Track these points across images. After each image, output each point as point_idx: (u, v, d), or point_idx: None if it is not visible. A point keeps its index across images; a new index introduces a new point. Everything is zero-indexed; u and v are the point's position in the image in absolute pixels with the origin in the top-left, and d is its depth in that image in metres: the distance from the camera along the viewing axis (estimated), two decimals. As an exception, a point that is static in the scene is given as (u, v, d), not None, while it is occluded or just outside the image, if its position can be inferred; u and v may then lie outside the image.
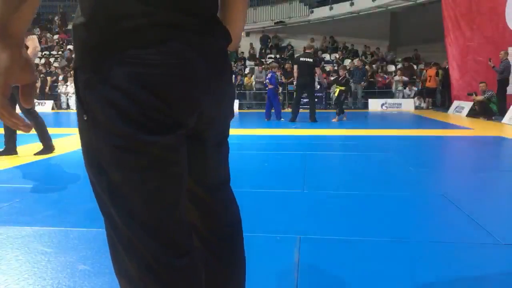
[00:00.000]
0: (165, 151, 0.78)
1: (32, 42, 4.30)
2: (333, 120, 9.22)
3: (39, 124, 4.60)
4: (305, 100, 10.43)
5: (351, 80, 9.28)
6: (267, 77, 9.69)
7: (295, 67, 8.89)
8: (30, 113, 4.49)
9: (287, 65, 14.29)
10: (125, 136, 0.74)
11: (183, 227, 0.84)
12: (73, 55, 0.81)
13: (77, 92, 0.77)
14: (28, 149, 4.76)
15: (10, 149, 4.64)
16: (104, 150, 0.76)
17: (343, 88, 9.22)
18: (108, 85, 0.73)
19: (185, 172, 0.84)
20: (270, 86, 9.46)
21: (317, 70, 8.89)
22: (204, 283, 0.88)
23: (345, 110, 9.46)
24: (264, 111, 10.04)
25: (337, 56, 16.05)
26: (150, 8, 0.74)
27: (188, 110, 0.81)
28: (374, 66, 14.83)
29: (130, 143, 0.75)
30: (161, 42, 0.75)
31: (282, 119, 9.32)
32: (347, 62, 15.51)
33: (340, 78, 9.47)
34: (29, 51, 4.21)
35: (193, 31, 0.79)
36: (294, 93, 9.53)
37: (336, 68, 14.73)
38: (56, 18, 19.93)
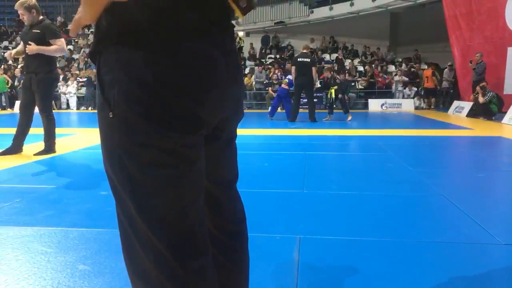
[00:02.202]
0: (189, 149, 0.80)
1: (59, 43, 4.54)
2: (347, 120, 9.23)
3: (50, 125, 4.65)
4: (304, 100, 10.45)
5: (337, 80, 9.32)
6: (287, 77, 9.70)
7: (293, 68, 9.04)
8: (45, 112, 4.57)
9: (287, 66, 14.31)
10: (152, 134, 0.76)
11: (202, 226, 0.85)
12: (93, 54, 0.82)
13: (102, 90, 0.78)
14: (29, 149, 4.76)
15: (17, 146, 4.65)
16: (129, 147, 0.77)
17: (336, 87, 9.27)
18: (137, 84, 0.75)
19: (204, 170, 0.86)
20: (285, 86, 9.40)
21: (313, 69, 8.98)
22: (217, 283, 0.89)
23: (332, 111, 9.51)
24: (264, 110, 10.03)
25: (338, 56, 16.02)
26: (178, 9, 0.76)
27: (215, 110, 0.83)
28: (373, 65, 14.82)
29: (157, 141, 0.76)
30: (190, 43, 0.77)
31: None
32: (347, 62, 15.53)
33: (328, 80, 9.55)
34: (54, 47, 4.47)
35: (217, 32, 0.82)
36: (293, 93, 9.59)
37: (336, 68, 14.75)
38: (57, 18, 19.94)
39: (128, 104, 0.75)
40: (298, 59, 8.87)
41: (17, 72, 15.03)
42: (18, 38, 17.60)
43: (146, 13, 0.74)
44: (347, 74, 9.50)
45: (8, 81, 14.82)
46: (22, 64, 14.61)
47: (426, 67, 14.39)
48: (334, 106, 9.60)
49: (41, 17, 4.58)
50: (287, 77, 9.81)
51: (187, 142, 0.79)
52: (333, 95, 9.44)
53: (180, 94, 0.76)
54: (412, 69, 14.43)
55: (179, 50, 0.76)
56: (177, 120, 0.77)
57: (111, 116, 0.77)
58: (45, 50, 4.43)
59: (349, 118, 9.28)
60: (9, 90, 14.92)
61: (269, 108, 12.62)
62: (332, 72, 9.78)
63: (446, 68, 13.24)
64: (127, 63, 0.75)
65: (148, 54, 0.75)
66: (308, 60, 8.78)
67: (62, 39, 4.65)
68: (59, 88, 14.91)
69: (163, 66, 0.75)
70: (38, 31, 4.45)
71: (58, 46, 4.51)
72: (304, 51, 9.06)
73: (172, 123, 0.76)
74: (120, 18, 0.75)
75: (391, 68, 15.20)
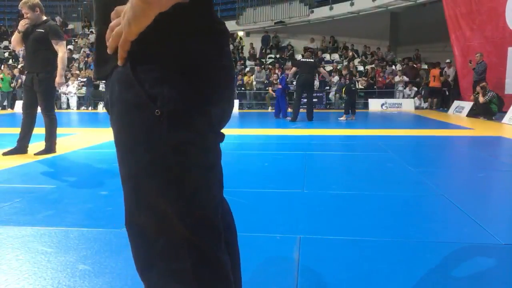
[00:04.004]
0: (219, 146, 0.86)
1: (62, 48, 4.55)
2: (340, 118, 9.40)
3: (51, 125, 4.67)
4: (304, 100, 10.53)
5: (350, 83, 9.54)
6: (279, 78, 10.52)
7: (294, 68, 9.49)
8: (47, 112, 4.59)
9: (286, 65, 14.33)
10: (202, 132, 0.78)
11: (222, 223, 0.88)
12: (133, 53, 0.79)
13: (142, 87, 0.76)
14: (29, 148, 4.75)
15: (22, 148, 4.65)
16: (179, 145, 0.77)
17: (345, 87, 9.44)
18: (190, 82, 0.77)
19: None
20: (279, 86, 9.95)
21: (321, 69, 9.76)
22: None
23: (353, 111, 9.57)
24: (264, 110, 10.23)
25: (340, 56, 16.00)
26: (214, 12, 0.82)
27: (232, 108, 0.90)
28: (373, 65, 14.81)
29: (204, 139, 0.79)
30: (226, 47, 0.83)
31: (287, 118, 9.55)
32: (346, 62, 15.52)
33: (344, 76, 9.86)
34: (60, 56, 4.51)
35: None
36: (294, 93, 9.92)
37: (337, 67, 14.78)
38: (57, 18, 19.95)
39: (180, 101, 0.76)
40: (302, 60, 9.49)
41: (16, 71, 15.01)
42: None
43: (193, 15, 0.77)
44: (347, 75, 9.71)
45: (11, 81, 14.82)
46: (22, 64, 14.64)
47: (426, 66, 14.37)
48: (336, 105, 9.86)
49: (44, 17, 4.59)
50: (278, 78, 10.56)
51: (220, 140, 0.85)
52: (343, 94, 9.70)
53: (222, 93, 0.82)
54: (413, 66, 14.39)
55: (222, 50, 0.81)
56: (218, 118, 0.82)
57: (158, 113, 0.75)
58: (61, 71, 4.52)
59: (343, 118, 9.32)
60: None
61: (269, 108, 12.85)
62: (347, 70, 10.14)
63: (445, 67, 13.18)
64: (179, 62, 0.76)
65: (200, 54, 0.78)
66: (312, 60, 9.38)
67: (64, 42, 4.69)
68: (59, 88, 14.90)
69: (211, 67, 0.79)
70: (42, 30, 4.46)
71: (63, 54, 4.55)
72: (306, 55, 9.67)
73: (215, 122, 0.81)
74: (170, 19, 0.74)
75: (391, 68, 15.18)
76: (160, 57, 0.76)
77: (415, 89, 13.66)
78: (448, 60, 12.90)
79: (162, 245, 0.80)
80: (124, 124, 0.79)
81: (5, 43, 19.33)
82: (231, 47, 17.51)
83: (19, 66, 15.23)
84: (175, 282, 0.80)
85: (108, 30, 0.77)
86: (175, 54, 0.76)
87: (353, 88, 9.48)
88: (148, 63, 0.76)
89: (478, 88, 9.70)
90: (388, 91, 13.95)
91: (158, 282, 0.82)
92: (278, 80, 10.41)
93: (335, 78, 13.89)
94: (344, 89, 9.69)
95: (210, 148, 0.81)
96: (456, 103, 11.47)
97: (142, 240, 0.83)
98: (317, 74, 10.11)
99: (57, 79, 4.48)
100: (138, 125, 0.77)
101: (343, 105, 9.96)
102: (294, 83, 12.35)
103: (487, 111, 9.48)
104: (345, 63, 15.17)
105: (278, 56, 17.14)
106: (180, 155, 0.77)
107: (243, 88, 14.66)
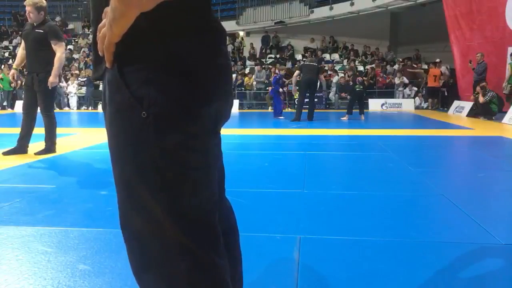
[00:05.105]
0: (216, 147, 0.84)
1: (60, 49, 4.54)
2: (342, 118, 9.56)
3: (51, 125, 4.67)
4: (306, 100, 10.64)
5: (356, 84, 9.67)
6: (273, 78, 10.75)
7: (297, 72, 9.72)
8: (47, 112, 4.59)
9: (280, 67, 14.44)
10: (192, 133, 0.76)
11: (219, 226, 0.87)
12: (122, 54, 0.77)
13: (128, 89, 0.74)
14: (29, 148, 4.75)
15: (22, 147, 4.65)
16: (166, 147, 0.75)
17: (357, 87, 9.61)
18: (178, 82, 0.74)
19: None
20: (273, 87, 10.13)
21: (321, 76, 10.11)
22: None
23: (361, 111, 9.69)
24: (264, 110, 10.30)
25: (340, 56, 16.03)
26: (210, 11, 0.80)
27: (230, 108, 0.88)
28: (373, 66, 14.81)
29: (195, 140, 0.77)
30: (221, 46, 0.81)
31: (281, 117, 9.71)
32: (345, 62, 15.54)
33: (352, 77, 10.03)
34: (57, 56, 4.50)
35: None
36: (296, 94, 10.16)
37: (335, 68, 14.80)
38: (57, 18, 19.95)
39: (167, 102, 0.73)
40: (306, 63, 9.71)
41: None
42: (19, 38, 17.60)
43: (183, 14, 0.74)
44: (346, 76, 9.88)
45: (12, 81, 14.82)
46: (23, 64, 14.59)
47: (426, 67, 14.36)
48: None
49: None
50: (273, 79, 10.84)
51: (216, 141, 0.83)
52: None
53: (217, 93, 0.79)
54: (413, 66, 14.37)
55: (217, 49, 0.79)
56: (213, 119, 0.79)
57: (144, 115, 0.73)
58: (56, 71, 4.49)
59: (345, 118, 9.41)
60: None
61: (269, 108, 12.94)
62: (352, 72, 10.37)
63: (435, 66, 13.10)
64: (167, 62, 0.74)
65: (191, 54, 0.75)
66: (315, 64, 9.66)
67: (63, 43, 4.68)
68: (56, 87, 14.85)
69: (203, 66, 0.76)
70: (41, 31, 4.46)
71: (61, 54, 4.54)
72: (310, 59, 9.99)
73: (209, 122, 0.79)
74: (158, 19, 0.73)
75: (393, 68, 15.18)
76: (147, 58, 0.74)
77: (415, 89, 13.65)
78: (438, 59, 12.86)
79: (156, 248, 0.79)
80: (115, 126, 0.78)
81: (5, 43, 19.33)
82: (232, 47, 17.51)
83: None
84: (168, 286, 0.79)
85: (97, 32, 0.76)
86: (163, 54, 0.74)
87: (357, 90, 9.48)
88: (135, 64, 0.75)
89: (478, 88, 9.70)
90: (388, 91, 13.94)
91: (153, 286, 0.81)
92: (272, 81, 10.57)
93: (335, 78, 13.89)
94: (351, 90, 9.88)
95: (205, 150, 0.79)
96: (456, 103, 11.47)
97: (137, 243, 0.82)
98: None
99: (51, 78, 4.45)
100: (127, 127, 0.76)
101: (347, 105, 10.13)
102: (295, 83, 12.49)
103: (487, 111, 9.49)
104: (346, 63, 15.21)
105: (278, 56, 17.14)
106: (171, 157, 0.75)
107: (243, 88, 14.65)
